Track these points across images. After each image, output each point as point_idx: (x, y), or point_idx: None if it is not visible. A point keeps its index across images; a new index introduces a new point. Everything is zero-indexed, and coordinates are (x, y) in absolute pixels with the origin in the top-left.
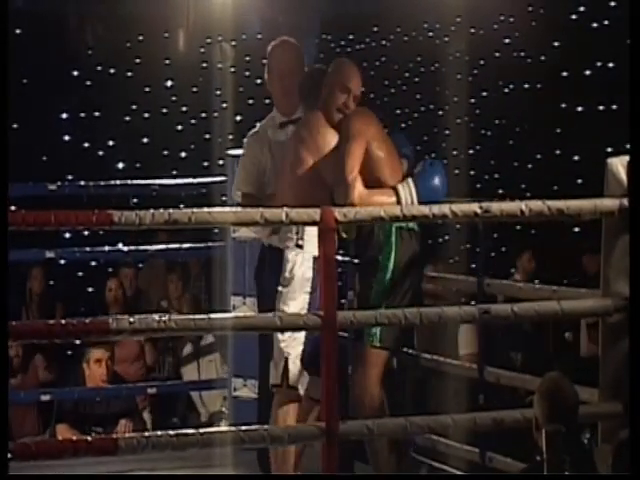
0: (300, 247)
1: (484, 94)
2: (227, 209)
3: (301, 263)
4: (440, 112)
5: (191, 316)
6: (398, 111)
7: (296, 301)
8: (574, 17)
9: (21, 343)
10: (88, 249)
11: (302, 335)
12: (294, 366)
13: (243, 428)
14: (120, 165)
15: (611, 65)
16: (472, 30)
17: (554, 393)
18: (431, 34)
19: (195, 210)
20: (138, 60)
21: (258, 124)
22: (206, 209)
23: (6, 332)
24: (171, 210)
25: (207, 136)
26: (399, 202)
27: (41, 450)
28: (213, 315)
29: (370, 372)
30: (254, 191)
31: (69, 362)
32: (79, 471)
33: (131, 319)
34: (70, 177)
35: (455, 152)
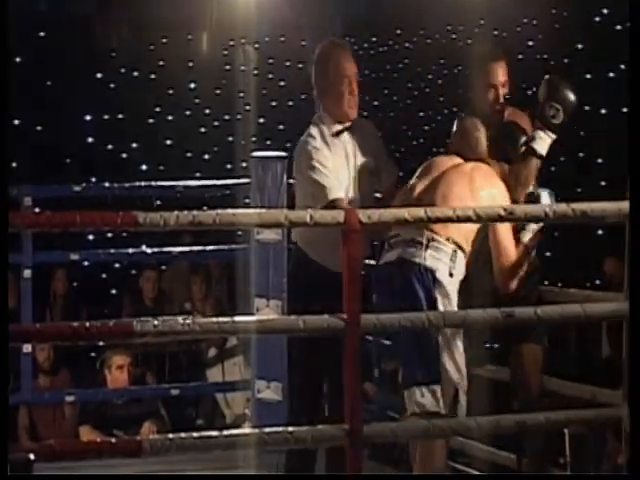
0: (451, 276)
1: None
2: (251, 210)
3: (454, 293)
4: (463, 114)
5: (215, 319)
6: (421, 114)
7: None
8: (597, 19)
9: (52, 346)
10: (112, 251)
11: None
12: (464, 399)
13: (266, 430)
14: (144, 167)
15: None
16: (495, 32)
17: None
18: (454, 36)
19: (219, 211)
20: (161, 62)
21: (313, 132)
22: (230, 210)
23: (6, 332)
24: (195, 212)
25: (230, 138)
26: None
27: (65, 451)
28: (237, 318)
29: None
30: (344, 194)
31: (91, 369)
32: (103, 473)
33: (155, 322)
34: (94, 179)
35: None
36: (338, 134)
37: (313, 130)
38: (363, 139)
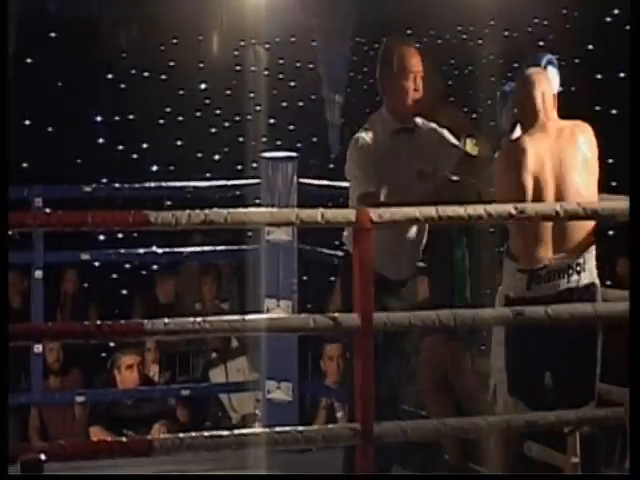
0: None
1: None
2: (263, 209)
3: None
4: (474, 115)
5: (225, 317)
6: None
7: None
8: (608, 20)
9: (61, 347)
10: (122, 251)
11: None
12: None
13: (277, 429)
14: (154, 167)
15: None
16: (506, 33)
17: None
18: (465, 37)
19: (231, 210)
20: (172, 63)
21: (367, 127)
22: (242, 209)
23: (6, 332)
24: (207, 211)
25: (240, 139)
26: None
27: (76, 451)
28: (247, 317)
29: None
30: (376, 189)
31: (101, 369)
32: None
33: (166, 320)
34: (105, 179)
35: None
36: (396, 132)
37: (367, 125)
38: (426, 144)
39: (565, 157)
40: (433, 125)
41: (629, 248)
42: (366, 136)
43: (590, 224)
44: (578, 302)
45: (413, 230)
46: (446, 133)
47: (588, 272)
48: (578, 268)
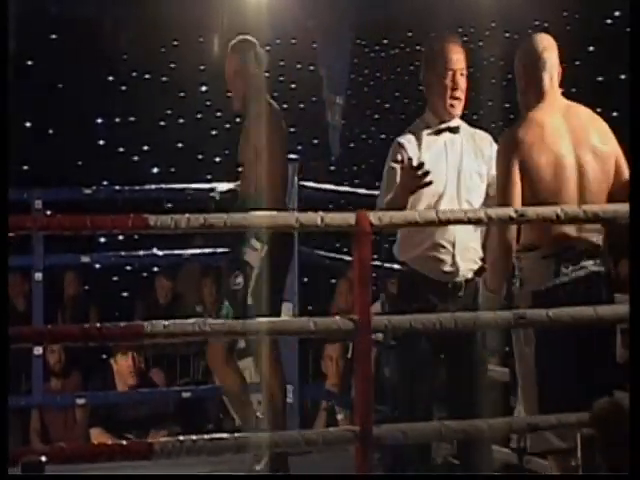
0: None
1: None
2: (262, 213)
3: None
4: (474, 117)
5: (225, 320)
6: None
7: None
8: (609, 21)
9: (62, 349)
10: (123, 254)
11: None
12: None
13: (278, 432)
14: (155, 170)
15: None
16: (506, 35)
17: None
18: (465, 39)
19: (230, 214)
20: (173, 65)
21: (410, 128)
22: (241, 213)
23: (6, 333)
24: (206, 214)
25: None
26: None
27: (76, 453)
28: (247, 320)
29: None
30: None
31: (102, 371)
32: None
33: (165, 323)
34: (105, 182)
35: None
36: (437, 132)
37: (411, 126)
38: (470, 146)
39: (580, 138)
40: (487, 136)
41: (629, 248)
42: (403, 137)
43: (604, 200)
44: (600, 287)
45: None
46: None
47: (602, 258)
48: (593, 251)
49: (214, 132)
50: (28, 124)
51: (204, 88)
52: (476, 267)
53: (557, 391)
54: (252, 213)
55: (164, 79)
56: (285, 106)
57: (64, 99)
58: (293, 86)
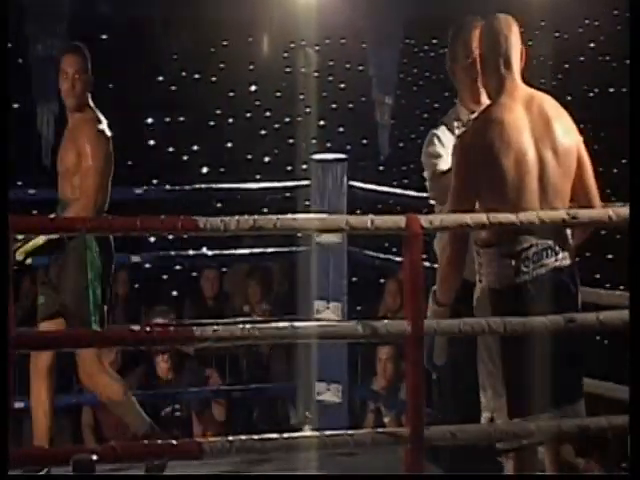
0: None
1: (568, 98)
2: (312, 215)
3: None
4: None
5: (274, 324)
6: None
7: None
8: None
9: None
10: (173, 253)
11: None
12: None
13: (327, 432)
14: (204, 169)
15: None
16: (556, 34)
17: None
18: None
19: (280, 216)
20: (222, 65)
21: (441, 120)
22: (291, 215)
23: (6, 333)
24: (256, 216)
25: (290, 141)
26: None
27: (126, 452)
28: (296, 323)
29: None
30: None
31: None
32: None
33: (215, 327)
34: (155, 181)
35: None
36: (466, 124)
37: (444, 117)
38: None
39: (541, 133)
40: None
41: (629, 248)
42: (435, 130)
43: (567, 197)
44: (565, 282)
45: None
46: None
47: (569, 252)
48: (560, 246)
49: (263, 132)
50: None
51: (253, 88)
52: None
53: (525, 393)
54: (302, 216)
55: (214, 79)
56: (334, 106)
57: (114, 99)
58: (342, 86)
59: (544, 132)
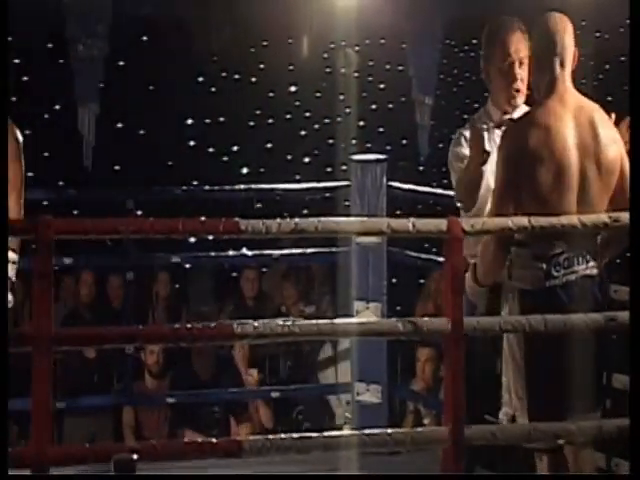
0: None
1: (609, 99)
2: (353, 218)
3: None
4: None
5: (314, 321)
6: None
7: None
8: None
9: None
10: (213, 254)
11: None
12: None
13: (366, 431)
14: (244, 170)
15: None
16: (597, 34)
17: None
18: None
19: (321, 219)
20: (262, 66)
21: (471, 121)
22: (332, 218)
23: (6, 334)
24: (297, 219)
25: (330, 141)
26: None
27: (167, 451)
28: (336, 320)
29: None
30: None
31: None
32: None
33: (255, 324)
34: (195, 182)
35: None
36: (499, 125)
37: (474, 117)
38: None
39: (586, 146)
40: None
41: (629, 248)
42: (464, 131)
43: (603, 209)
44: (593, 291)
45: None
46: None
47: (598, 261)
48: (590, 254)
49: (303, 132)
50: (120, 125)
51: (293, 88)
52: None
53: (545, 395)
54: (343, 218)
55: (253, 80)
56: (374, 106)
57: (155, 100)
58: (382, 86)
59: (589, 143)
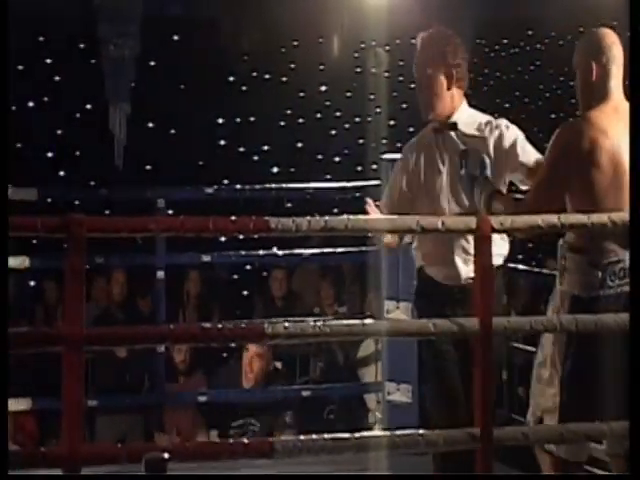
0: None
1: None
2: (383, 216)
3: None
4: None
5: (345, 321)
6: (553, 115)
7: None
8: None
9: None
10: (243, 253)
11: None
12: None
13: (397, 432)
14: (275, 169)
15: None
16: (629, 34)
17: None
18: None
19: (351, 217)
20: (293, 65)
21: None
22: (362, 216)
23: (6, 333)
24: (327, 217)
25: (361, 141)
26: None
27: (198, 451)
28: (367, 320)
29: None
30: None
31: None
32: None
33: (286, 324)
34: (226, 181)
35: None
36: (436, 131)
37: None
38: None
39: (625, 148)
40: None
41: (630, 248)
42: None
43: None
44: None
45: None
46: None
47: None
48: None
49: (333, 132)
50: (151, 124)
51: (323, 88)
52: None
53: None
54: (373, 216)
55: (284, 79)
56: (404, 106)
57: (186, 99)
58: (412, 86)
59: (626, 146)
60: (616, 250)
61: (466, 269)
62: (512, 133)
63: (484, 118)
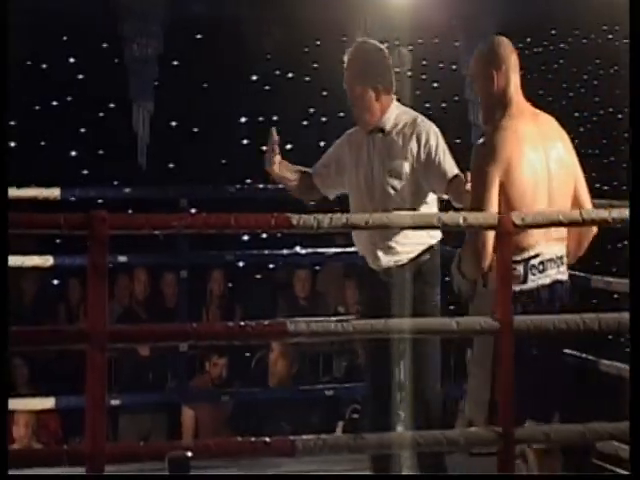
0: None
1: None
2: (404, 212)
3: None
4: (619, 115)
5: (368, 320)
6: (576, 114)
7: None
8: None
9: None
10: (266, 252)
11: None
12: None
13: (420, 432)
14: None
15: None
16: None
17: None
18: (610, 36)
19: (372, 214)
20: (315, 64)
21: None
22: (383, 213)
23: (6, 333)
24: (348, 214)
25: None
26: None
27: (220, 449)
28: (390, 319)
29: None
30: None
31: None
32: (256, 472)
33: (308, 322)
34: (248, 180)
35: None
36: (370, 132)
37: None
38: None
39: (550, 149)
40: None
41: (629, 248)
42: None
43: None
44: (563, 296)
45: None
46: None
47: (565, 266)
48: (563, 259)
49: None
50: (174, 123)
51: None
52: (399, 258)
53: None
54: (394, 213)
55: (307, 78)
56: (427, 105)
57: (209, 98)
58: (435, 85)
59: (552, 149)
60: (534, 246)
61: (386, 259)
62: (432, 134)
63: (410, 118)
